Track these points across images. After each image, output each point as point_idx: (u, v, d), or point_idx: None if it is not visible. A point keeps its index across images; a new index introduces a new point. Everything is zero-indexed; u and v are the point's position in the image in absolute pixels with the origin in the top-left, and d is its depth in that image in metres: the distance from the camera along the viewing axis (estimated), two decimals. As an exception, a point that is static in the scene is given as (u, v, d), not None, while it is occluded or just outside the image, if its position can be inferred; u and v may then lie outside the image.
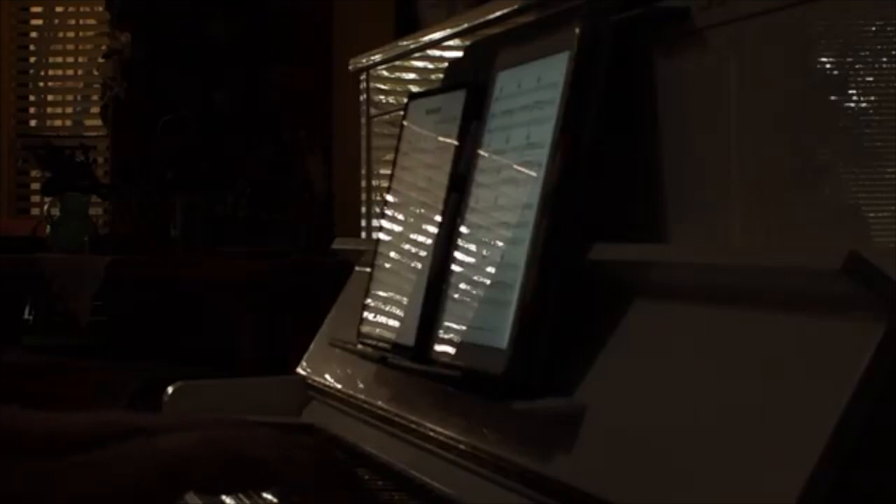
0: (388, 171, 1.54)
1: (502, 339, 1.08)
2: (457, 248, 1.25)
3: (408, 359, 1.29)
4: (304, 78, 3.62)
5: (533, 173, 1.12)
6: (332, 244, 1.85)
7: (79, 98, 4.44)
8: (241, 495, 1.24)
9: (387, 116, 1.87)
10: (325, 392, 1.61)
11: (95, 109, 4.09)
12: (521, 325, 1.07)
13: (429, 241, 1.33)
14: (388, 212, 1.48)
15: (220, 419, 1.20)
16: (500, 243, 1.15)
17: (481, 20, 1.50)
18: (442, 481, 1.19)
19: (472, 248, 1.21)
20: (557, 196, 1.08)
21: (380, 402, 1.42)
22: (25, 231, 3.77)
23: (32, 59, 4.42)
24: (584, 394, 1.03)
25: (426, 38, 1.70)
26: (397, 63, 1.84)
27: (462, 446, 1.18)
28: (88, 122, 4.28)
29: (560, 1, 1.25)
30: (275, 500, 1.21)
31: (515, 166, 1.16)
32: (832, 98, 0.92)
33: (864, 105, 0.91)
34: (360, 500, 1.18)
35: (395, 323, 1.37)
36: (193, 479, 1.04)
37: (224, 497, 1.24)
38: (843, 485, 0.75)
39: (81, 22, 4.45)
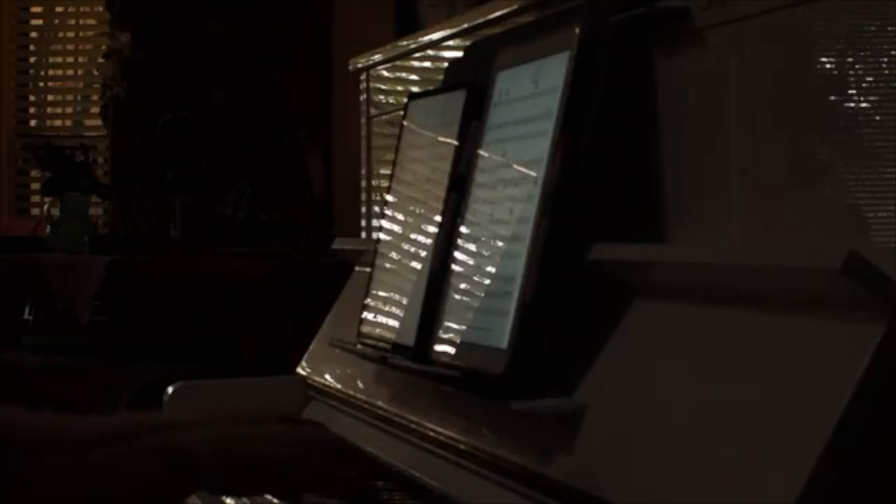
0: (388, 171, 1.53)
1: (502, 339, 1.08)
2: (457, 248, 1.25)
3: (408, 359, 1.29)
4: (304, 78, 3.62)
5: (533, 173, 1.12)
6: (332, 244, 1.85)
7: (79, 98, 4.44)
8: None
9: (387, 116, 1.86)
10: (325, 392, 1.61)
11: (95, 109, 4.10)
12: (520, 325, 1.07)
13: (429, 241, 1.33)
14: (388, 212, 1.48)
15: (235, 416, 1.17)
16: (500, 243, 1.15)
17: (481, 20, 1.50)
18: (442, 481, 1.19)
19: (472, 248, 1.21)
20: (557, 196, 1.08)
21: (380, 402, 1.42)
22: (25, 231, 3.78)
23: (32, 59, 4.42)
24: (584, 394, 1.02)
25: (426, 38, 1.70)
26: (397, 63, 1.84)
27: (462, 446, 1.18)
28: (88, 122, 4.28)
29: (560, 1, 1.25)
30: (275, 500, 1.21)
31: (515, 166, 1.16)
32: (832, 98, 0.92)
33: (864, 105, 0.91)
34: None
35: (395, 323, 1.37)
36: (202, 478, 1.03)
37: (225, 498, 1.23)
38: (843, 485, 0.75)
39: (81, 22, 4.45)
